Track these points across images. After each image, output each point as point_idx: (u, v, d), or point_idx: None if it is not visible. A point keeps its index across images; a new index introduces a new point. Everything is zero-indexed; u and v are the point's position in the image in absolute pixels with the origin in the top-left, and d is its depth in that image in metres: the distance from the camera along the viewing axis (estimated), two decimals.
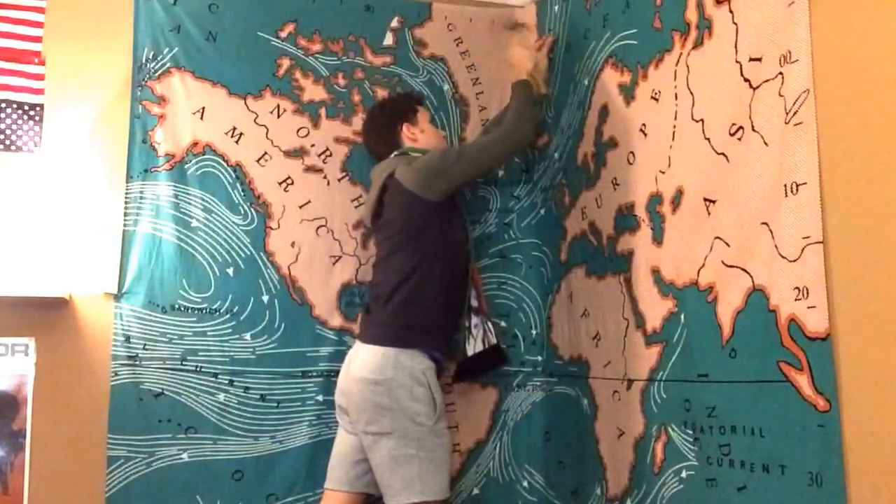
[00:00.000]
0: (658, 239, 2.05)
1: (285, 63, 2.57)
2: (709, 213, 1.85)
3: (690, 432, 1.90)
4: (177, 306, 2.40)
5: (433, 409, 2.19)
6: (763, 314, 1.66)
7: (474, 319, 2.44)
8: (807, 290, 1.55)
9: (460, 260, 2.38)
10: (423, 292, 2.26)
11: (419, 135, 2.46)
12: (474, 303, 2.44)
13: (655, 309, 2.04)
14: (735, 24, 1.78)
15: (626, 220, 2.19)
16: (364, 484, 2.27)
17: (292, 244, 2.50)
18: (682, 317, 1.94)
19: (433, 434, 2.18)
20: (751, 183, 1.72)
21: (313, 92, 2.58)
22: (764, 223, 1.66)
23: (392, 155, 2.44)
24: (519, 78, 2.48)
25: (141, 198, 2.41)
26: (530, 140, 2.53)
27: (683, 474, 1.92)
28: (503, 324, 2.64)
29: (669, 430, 1.97)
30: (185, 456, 2.35)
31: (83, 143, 2.39)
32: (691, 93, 1.93)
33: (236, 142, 2.50)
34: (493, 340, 2.48)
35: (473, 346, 2.44)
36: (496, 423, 2.61)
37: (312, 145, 2.56)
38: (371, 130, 2.53)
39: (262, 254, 2.48)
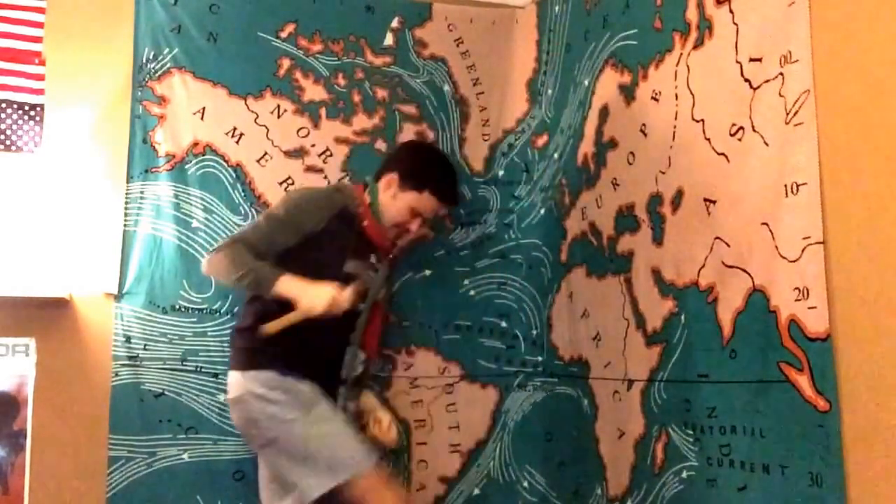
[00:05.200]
0: (658, 239, 2.05)
1: (286, 63, 2.57)
2: (709, 214, 1.85)
3: (691, 432, 1.90)
4: (177, 307, 2.40)
5: (294, 400, 2.10)
6: (763, 314, 1.66)
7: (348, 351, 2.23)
8: (807, 290, 1.55)
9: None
10: (257, 316, 2.14)
11: (388, 198, 2.28)
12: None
13: (655, 309, 2.04)
14: (735, 24, 1.78)
15: (626, 220, 2.19)
16: None
17: None
18: (683, 317, 1.94)
19: (311, 423, 2.10)
20: (751, 183, 1.72)
21: (313, 92, 2.58)
22: (764, 223, 1.66)
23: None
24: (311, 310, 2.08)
25: (141, 198, 2.41)
26: (228, 279, 2.16)
27: (684, 474, 1.92)
28: (503, 324, 2.64)
29: (670, 430, 1.97)
30: (185, 456, 2.35)
31: (83, 144, 2.39)
32: (692, 93, 1.93)
33: (237, 142, 2.50)
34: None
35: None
36: (496, 424, 2.61)
37: (313, 145, 2.56)
38: (394, 151, 2.47)
39: None
